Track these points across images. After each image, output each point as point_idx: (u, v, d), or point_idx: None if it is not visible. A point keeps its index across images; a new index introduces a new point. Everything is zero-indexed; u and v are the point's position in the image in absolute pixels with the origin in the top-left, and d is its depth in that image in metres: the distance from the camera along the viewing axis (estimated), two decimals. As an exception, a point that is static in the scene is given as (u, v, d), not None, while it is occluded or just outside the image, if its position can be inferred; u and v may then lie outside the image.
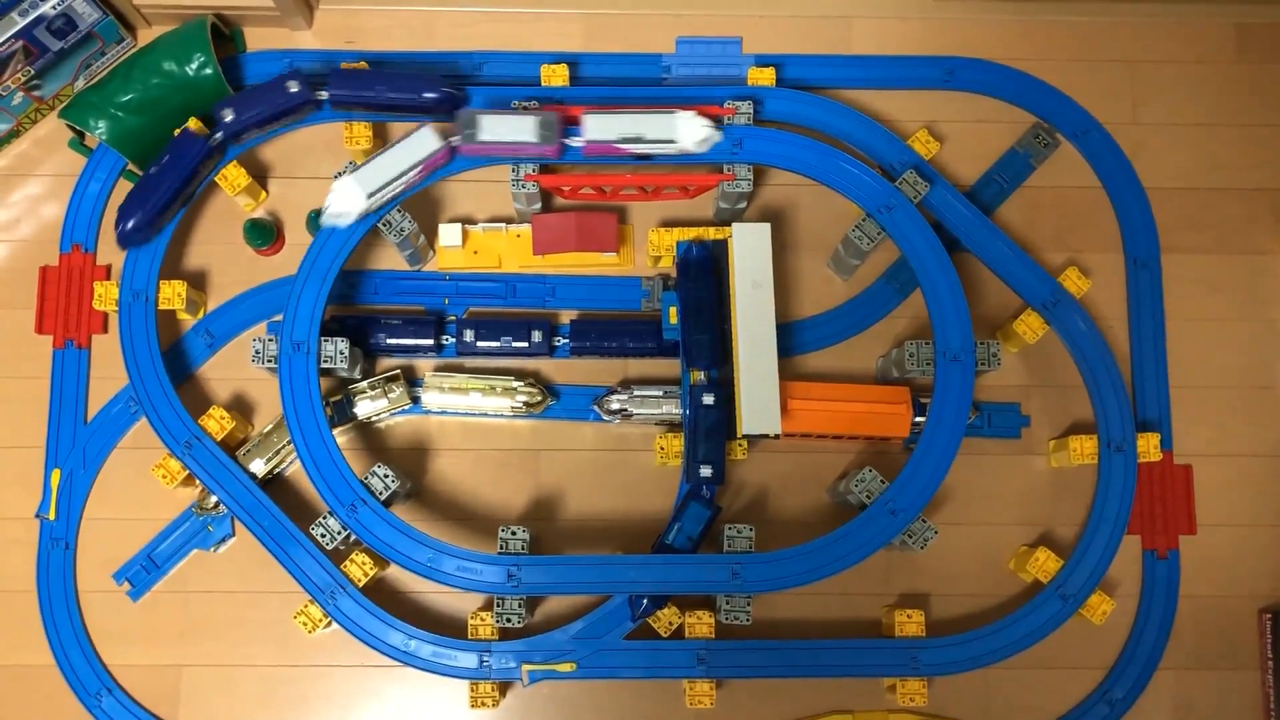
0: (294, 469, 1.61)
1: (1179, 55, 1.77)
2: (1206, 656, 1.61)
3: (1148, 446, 1.59)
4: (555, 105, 1.60)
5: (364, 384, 1.60)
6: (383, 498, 1.50)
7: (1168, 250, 1.70)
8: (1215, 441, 1.66)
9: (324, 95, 1.56)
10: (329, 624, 1.52)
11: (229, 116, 1.53)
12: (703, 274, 1.57)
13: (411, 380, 1.63)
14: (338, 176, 1.55)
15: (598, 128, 1.54)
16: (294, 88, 1.53)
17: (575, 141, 1.55)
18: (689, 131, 1.55)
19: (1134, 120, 1.74)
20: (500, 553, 1.50)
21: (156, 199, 1.52)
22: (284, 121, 1.57)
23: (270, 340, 1.54)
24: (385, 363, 1.66)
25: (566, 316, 1.66)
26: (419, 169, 1.52)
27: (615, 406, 1.60)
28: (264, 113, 1.54)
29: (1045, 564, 1.56)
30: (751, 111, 1.61)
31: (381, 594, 1.59)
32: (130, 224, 1.53)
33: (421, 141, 1.52)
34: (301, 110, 1.57)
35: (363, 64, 1.62)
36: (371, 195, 1.51)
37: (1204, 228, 1.72)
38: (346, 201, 1.51)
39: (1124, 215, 1.71)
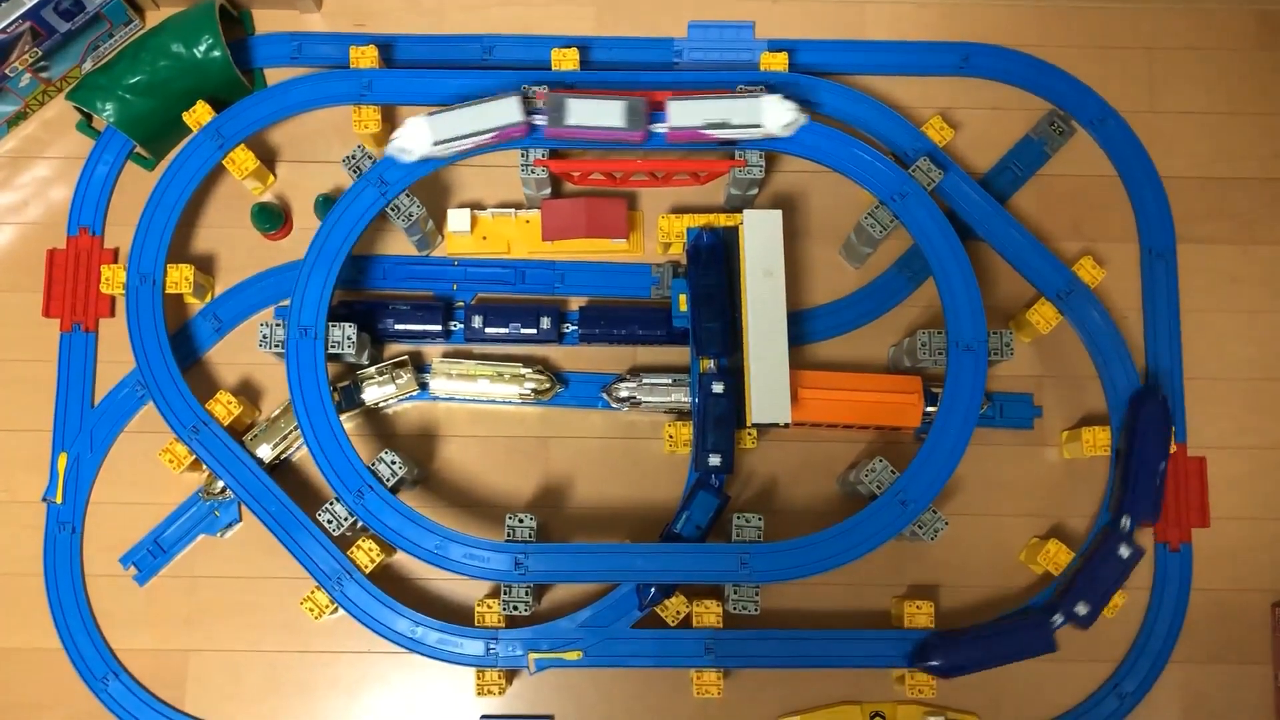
0: (301, 454, 1.61)
1: (1198, 42, 1.74)
2: (1218, 650, 1.60)
3: (1161, 438, 1.58)
4: (566, 89, 1.59)
5: (372, 370, 1.60)
6: (390, 484, 1.50)
7: (1184, 240, 1.68)
8: (1230, 434, 1.65)
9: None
10: (335, 610, 1.52)
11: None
12: (713, 261, 1.56)
13: (419, 366, 1.62)
14: (345, 161, 1.54)
15: (682, 113, 1.52)
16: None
17: (660, 127, 1.53)
18: (775, 115, 1.52)
19: (1151, 108, 1.73)
20: (508, 540, 1.49)
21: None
22: None
23: (278, 325, 1.54)
24: (393, 348, 1.65)
25: (576, 303, 1.65)
26: (492, 134, 1.50)
27: (624, 394, 1.59)
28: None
29: (1056, 556, 1.55)
30: (764, 97, 1.60)
31: (388, 580, 1.58)
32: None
33: (504, 109, 1.50)
34: None
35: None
36: (439, 143, 1.49)
37: (1221, 218, 1.70)
38: (413, 140, 1.49)
39: (1140, 204, 1.69)
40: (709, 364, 1.53)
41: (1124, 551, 1.50)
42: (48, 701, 1.57)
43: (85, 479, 1.60)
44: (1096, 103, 1.71)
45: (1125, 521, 1.53)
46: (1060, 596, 1.52)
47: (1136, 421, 1.55)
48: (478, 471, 1.63)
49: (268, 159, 1.69)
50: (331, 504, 1.50)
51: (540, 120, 1.51)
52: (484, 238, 1.65)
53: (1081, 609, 1.49)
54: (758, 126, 1.53)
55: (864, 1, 1.74)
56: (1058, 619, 1.50)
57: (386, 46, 1.67)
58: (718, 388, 1.51)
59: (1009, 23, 1.74)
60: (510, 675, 1.56)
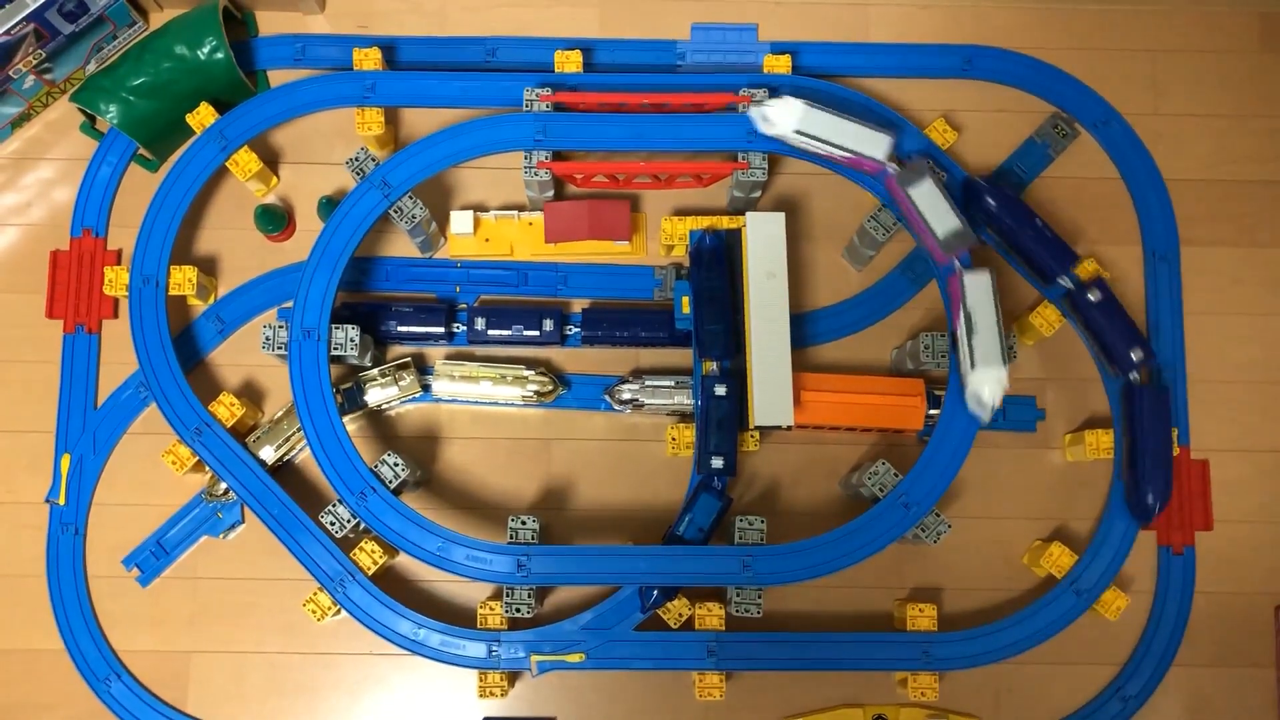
0: (304, 456, 1.61)
1: (1201, 45, 1.74)
2: (1221, 653, 1.60)
3: (1165, 441, 1.58)
4: (569, 92, 1.59)
5: (374, 371, 1.60)
6: (392, 486, 1.50)
7: (1187, 243, 1.68)
8: (1233, 436, 1.65)
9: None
10: (338, 612, 1.52)
11: None
12: (716, 263, 1.56)
13: (422, 368, 1.62)
14: (348, 163, 1.55)
15: (974, 287, 1.50)
16: None
17: (958, 269, 1.50)
18: (984, 385, 1.47)
19: (1155, 111, 1.72)
20: (510, 542, 1.49)
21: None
22: None
23: (281, 326, 1.54)
24: (396, 350, 1.65)
25: (578, 305, 1.65)
26: (849, 156, 1.53)
27: (626, 396, 1.59)
28: None
29: (1059, 559, 1.55)
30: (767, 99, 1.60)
31: (390, 582, 1.58)
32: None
33: (873, 141, 1.53)
34: None
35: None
36: (799, 133, 1.52)
37: (1224, 220, 1.70)
38: (781, 116, 1.52)
39: (1143, 207, 1.69)
40: (711, 366, 1.53)
41: (1094, 295, 1.54)
42: (50, 702, 1.57)
43: (88, 480, 1.60)
44: (1100, 105, 1.71)
45: (1066, 280, 1.57)
46: (1113, 368, 1.58)
47: (999, 216, 1.57)
48: (480, 473, 1.63)
49: (271, 161, 1.69)
50: (334, 506, 1.50)
51: (893, 169, 1.52)
52: (487, 240, 1.65)
53: (1136, 354, 1.54)
54: (972, 395, 1.49)
55: (867, 4, 1.74)
56: (1134, 376, 1.56)
57: (390, 48, 1.68)
58: (720, 390, 1.51)
59: (1012, 25, 1.74)
60: (512, 677, 1.56)
